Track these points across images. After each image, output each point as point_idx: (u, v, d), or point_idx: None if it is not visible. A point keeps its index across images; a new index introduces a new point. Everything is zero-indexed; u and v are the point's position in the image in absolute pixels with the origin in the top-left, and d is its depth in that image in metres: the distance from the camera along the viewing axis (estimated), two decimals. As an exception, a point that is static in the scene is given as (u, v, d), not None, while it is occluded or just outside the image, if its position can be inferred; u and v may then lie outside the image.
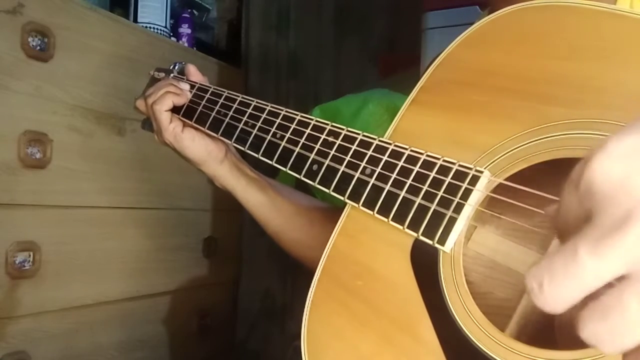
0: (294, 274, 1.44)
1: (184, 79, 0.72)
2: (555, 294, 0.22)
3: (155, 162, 1.20)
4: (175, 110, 0.68)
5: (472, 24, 0.46)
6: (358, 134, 0.49)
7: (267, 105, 0.59)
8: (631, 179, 0.21)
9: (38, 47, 0.94)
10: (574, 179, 0.23)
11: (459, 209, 0.40)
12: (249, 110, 0.61)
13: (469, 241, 0.42)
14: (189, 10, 1.46)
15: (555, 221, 0.25)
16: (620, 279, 0.21)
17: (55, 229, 0.99)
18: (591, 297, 0.22)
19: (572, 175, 0.23)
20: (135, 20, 1.24)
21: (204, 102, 0.67)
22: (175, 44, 1.34)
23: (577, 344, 0.32)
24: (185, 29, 1.40)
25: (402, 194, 0.43)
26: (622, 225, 0.20)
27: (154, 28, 1.25)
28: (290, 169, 0.54)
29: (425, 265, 0.41)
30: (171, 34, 1.34)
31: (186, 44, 1.39)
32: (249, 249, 1.50)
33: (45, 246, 0.96)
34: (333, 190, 0.49)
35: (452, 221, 0.40)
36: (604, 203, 0.21)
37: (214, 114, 0.65)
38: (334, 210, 0.64)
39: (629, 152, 0.21)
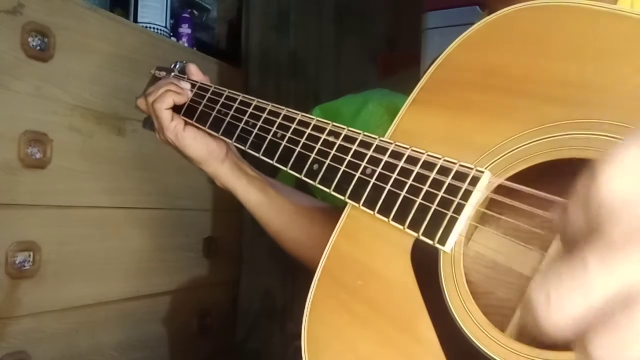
0: (294, 274, 1.44)
1: (184, 77, 0.72)
2: (561, 305, 0.21)
3: (156, 162, 1.20)
4: (176, 109, 0.68)
5: (472, 24, 0.46)
6: (359, 133, 0.49)
7: (268, 105, 0.59)
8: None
9: (38, 47, 0.94)
10: (580, 192, 0.23)
11: (459, 209, 0.40)
12: (250, 110, 0.61)
13: (469, 241, 0.42)
14: (189, 10, 1.46)
15: (561, 231, 0.25)
16: (628, 296, 0.21)
17: (55, 229, 0.99)
18: (596, 317, 0.21)
19: (578, 188, 0.23)
20: (135, 20, 1.24)
21: (204, 101, 0.67)
22: (175, 44, 1.34)
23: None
24: (185, 29, 1.40)
25: (403, 194, 0.43)
26: (631, 239, 0.20)
27: (154, 28, 1.25)
28: (290, 169, 0.54)
29: (425, 265, 0.41)
30: (171, 34, 1.34)
31: (186, 44, 1.39)
32: (249, 249, 1.50)
33: (45, 246, 0.96)
34: (333, 190, 0.49)
35: (452, 221, 0.40)
36: (614, 217, 0.21)
37: (214, 113, 0.65)
38: (335, 210, 0.64)
39: (637, 164, 0.21)
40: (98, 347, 1.09)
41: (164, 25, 1.28)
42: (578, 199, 0.23)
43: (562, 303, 0.21)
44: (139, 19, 1.24)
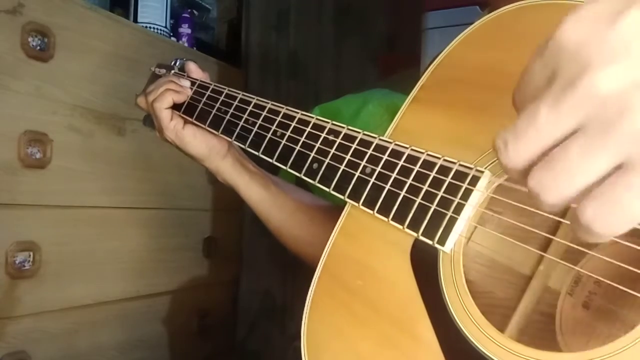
0: (294, 274, 1.44)
1: (184, 75, 0.72)
2: (517, 149, 0.23)
3: (155, 162, 1.20)
4: (176, 107, 0.68)
5: (471, 23, 0.46)
6: (358, 132, 0.49)
7: (268, 103, 0.59)
8: (592, 38, 0.22)
9: (38, 47, 0.94)
10: (540, 46, 0.24)
11: (459, 209, 0.40)
12: (250, 108, 0.61)
13: (468, 241, 0.42)
14: (189, 10, 1.46)
15: (517, 92, 0.26)
16: (570, 133, 0.23)
17: (55, 229, 0.99)
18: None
19: (539, 44, 0.24)
20: (135, 20, 1.24)
21: (204, 99, 0.67)
22: (175, 44, 1.34)
23: (579, 345, 0.32)
24: (185, 29, 1.40)
25: (402, 193, 0.43)
26: (576, 79, 0.22)
27: (154, 28, 1.25)
28: (290, 167, 0.54)
29: (425, 265, 0.41)
30: (171, 34, 1.34)
31: (186, 44, 1.39)
32: (249, 249, 1.50)
33: (45, 246, 0.96)
34: (333, 189, 0.49)
35: (452, 221, 0.40)
36: (565, 62, 0.23)
37: (214, 111, 0.65)
38: (335, 208, 0.64)
39: (597, 16, 0.22)
40: (98, 347, 1.09)
41: (164, 25, 1.28)
42: (536, 54, 0.25)
43: (517, 146, 0.24)
44: (139, 19, 1.24)
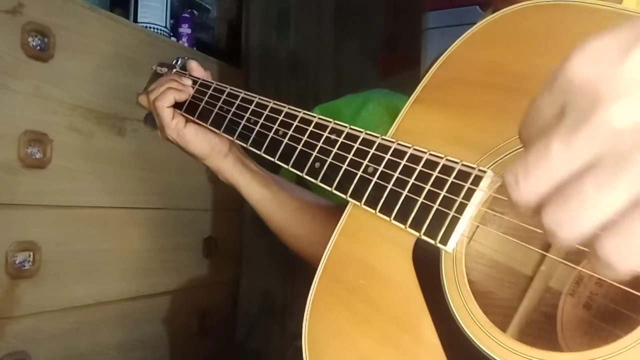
0: (294, 274, 1.44)
1: (186, 74, 0.72)
2: (529, 184, 0.23)
3: (156, 162, 1.20)
4: (177, 105, 0.68)
5: (472, 24, 0.46)
6: (361, 132, 0.49)
7: (270, 102, 0.59)
8: (603, 74, 0.22)
9: (38, 47, 0.94)
10: (550, 78, 0.24)
11: (461, 208, 0.39)
12: (252, 107, 0.61)
13: (470, 241, 0.42)
14: (189, 10, 1.46)
15: (524, 126, 0.26)
16: (583, 168, 0.22)
17: (55, 229, 0.98)
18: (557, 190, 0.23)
19: (547, 79, 0.24)
20: (135, 20, 1.24)
21: (206, 98, 0.67)
22: (175, 44, 1.34)
23: (581, 345, 0.32)
24: (185, 29, 1.40)
25: (405, 193, 0.43)
26: (589, 114, 0.22)
27: (154, 28, 1.25)
28: (292, 167, 0.54)
29: (427, 264, 0.41)
30: (171, 34, 1.33)
31: (186, 44, 1.39)
32: (249, 249, 1.50)
33: (45, 246, 0.95)
34: (335, 189, 0.49)
35: (454, 221, 0.40)
36: (576, 97, 0.23)
37: (216, 110, 0.65)
38: (337, 207, 0.64)
39: (606, 52, 0.22)
40: (98, 347, 1.08)
41: (164, 25, 1.28)
42: (544, 88, 0.24)
43: (529, 181, 0.23)
44: (139, 19, 1.24)
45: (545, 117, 0.24)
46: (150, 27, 1.24)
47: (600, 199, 0.22)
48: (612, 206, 0.22)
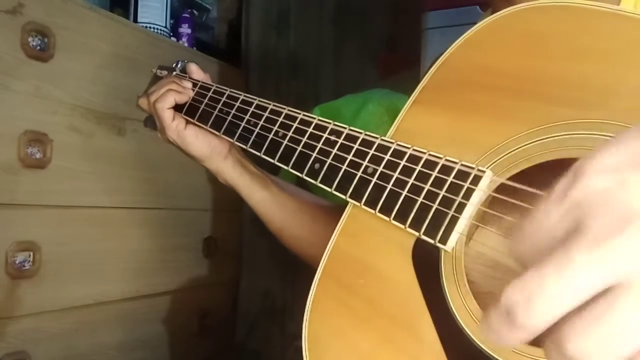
0: (294, 274, 1.44)
1: (186, 77, 0.72)
2: (545, 307, 0.20)
3: (156, 162, 1.20)
4: (177, 108, 0.69)
5: (472, 24, 0.46)
6: (360, 132, 0.49)
7: (269, 104, 0.60)
8: (623, 187, 0.20)
9: (38, 47, 0.94)
10: (559, 193, 0.22)
11: (460, 208, 0.40)
12: (251, 109, 0.61)
13: (470, 241, 0.42)
14: (189, 10, 1.46)
15: (524, 242, 0.23)
16: (609, 289, 0.20)
17: (55, 229, 0.99)
18: (574, 312, 0.21)
19: (556, 190, 0.22)
20: (135, 20, 1.24)
21: (206, 100, 0.67)
22: (175, 44, 1.34)
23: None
24: (185, 29, 1.40)
25: (404, 193, 0.43)
26: (616, 232, 0.20)
27: (154, 28, 1.25)
28: (292, 168, 0.54)
29: (426, 264, 0.41)
30: (171, 34, 1.34)
31: (186, 44, 1.39)
32: (249, 249, 1.50)
33: (45, 246, 0.96)
34: (335, 189, 0.49)
35: (453, 220, 0.40)
36: (597, 212, 0.21)
37: (216, 112, 0.65)
38: (337, 208, 0.64)
39: (620, 164, 0.21)
40: (98, 347, 1.09)
41: (164, 25, 1.28)
42: (553, 199, 0.22)
43: (547, 300, 0.20)
44: (139, 19, 1.24)
45: (554, 232, 0.22)
46: (150, 27, 1.25)
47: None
48: None
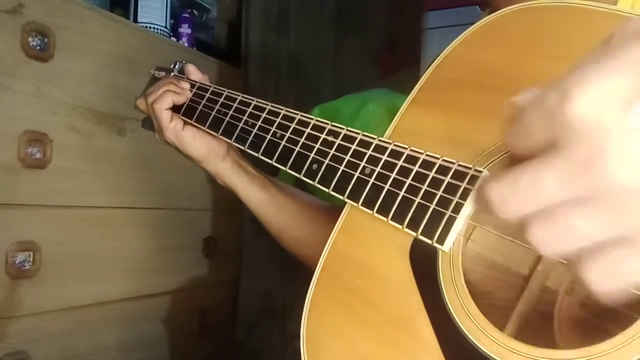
0: (294, 274, 1.44)
1: (184, 77, 0.72)
2: (515, 205, 0.25)
3: (156, 162, 1.20)
4: (175, 109, 0.69)
5: (472, 24, 0.47)
6: (358, 133, 0.49)
7: (267, 105, 0.60)
8: (605, 122, 0.22)
9: (38, 47, 0.94)
10: (547, 106, 0.24)
11: (458, 208, 0.40)
12: (249, 110, 0.61)
13: (468, 241, 0.42)
14: (189, 10, 1.46)
15: (510, 133, 0.26)
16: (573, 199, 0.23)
17: (55, 229, 0.99)
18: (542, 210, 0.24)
19: (545, 101, 0.24)
20: (135, 20, 1.24)
21: (204, 101, 0.67)
22: (175, 44, 1.34)
23: (577, 343, 0.32)
24: (185, 29, 1.40)
25: (402, 193, 0.43)
26: (590, 164, 0.22)
27: (154, 28, 1.25)
28: (290, 168, 0.54)
29: (424, 264, 0.42)
30: (171, 34, 1.34)
31: (186, 44, 1.39)
32: (249, 249, 1.50)
33: (45, 246, 0.96)
34: (333, 190, 0.49)
35: (451, 220, 0.40)
36: (577, 139, 0.23)
37: (214, 113, 0.65)
38: (335, 209, 0.64)
39: (610, 96, 0.22)
40: (98, 347, 1.09)
41: (164, 25, 1.28)
42: (540, 109, 0.24)
43: (517, 206, 0.25)
44: (139, 19, 1.24)
45: (535, 138, 0.25)
46: (150, 27, 1.25)
47: (588, 232, 0.23)
48: (598, 240, 0.23)
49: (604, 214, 0.23)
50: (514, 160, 0.26)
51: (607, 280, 0.23)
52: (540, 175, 0.24)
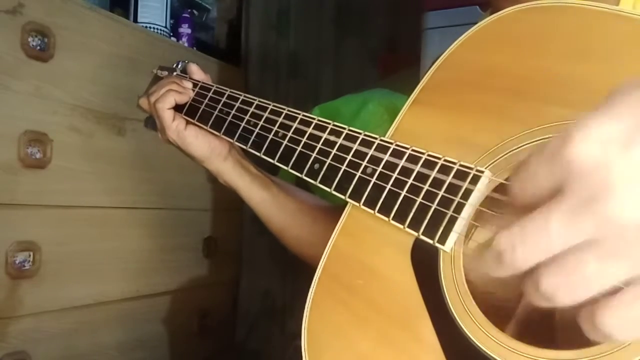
0: (294, 274, 1.44)
1: (186, 77, 0.72)
2: (525, 255, 0.25)
3: (156, 162, 1.20)
4: (178, 108, 0.69)
5: (472, 24, 0.46)
6: (359, 133, 0.49)
7: (269, 104, 0.60)
8: (606, 162, 0.23)
9: (38, 47, 0.94)
10: (549, 152, 0.25)
11: (459, 208, 0.40)
12: (251, 109, 0.61)
13: (469, 241, 0.42)
14: (189, 10, 1.46)
15: (517, 184, 0.27)
16: (580, 244, 0.23)
17: (55, 229, 0.99)
18: (550, 259, 0.24)
19: (548, 148, 0.25)
20: (135, 20, 1.24)
21: (206, 100, 0.67)
22: (175, 44, 1.34)
23: (578, 343, 0.32)
24: (185, 29, 1.40)
25: (403, 193, 0.43)
26: (593, 204, 0.23)
27: (154, 28, 1.25)
28: (291, 168, 0.54)
29: (425, 264, 0.42)
30: (171, 34, 1.34)
31: (186, 44, 1.39)
32: (249, 249, 1.50)
33: (45, 246, 0.96)
34: (334, 189, 0.49)
35: (452, 220, 0.40)
36: (580, 180, 0.23)
37: (216, 112, 0.65)
38: (336, 209, 0.64)
39: (610, 138, 0.23)
40: (98, 347, 1.09)
41: (164, 25, 1.28)
42: (544, 158, 0.25)
43: (526, 253, 0.25)
44: (139, 19, 1.24)
45: (541, 186, 0.25)
46: (150, 27, 1.25)
47: (601, 275, 0.23)
48: (611, 282, 0.23)
49: (614, 255, 0.23)
50: (523, 211, 0.26)
51: (626, 326, 0.23)
52: (546, 219, 0.24)
